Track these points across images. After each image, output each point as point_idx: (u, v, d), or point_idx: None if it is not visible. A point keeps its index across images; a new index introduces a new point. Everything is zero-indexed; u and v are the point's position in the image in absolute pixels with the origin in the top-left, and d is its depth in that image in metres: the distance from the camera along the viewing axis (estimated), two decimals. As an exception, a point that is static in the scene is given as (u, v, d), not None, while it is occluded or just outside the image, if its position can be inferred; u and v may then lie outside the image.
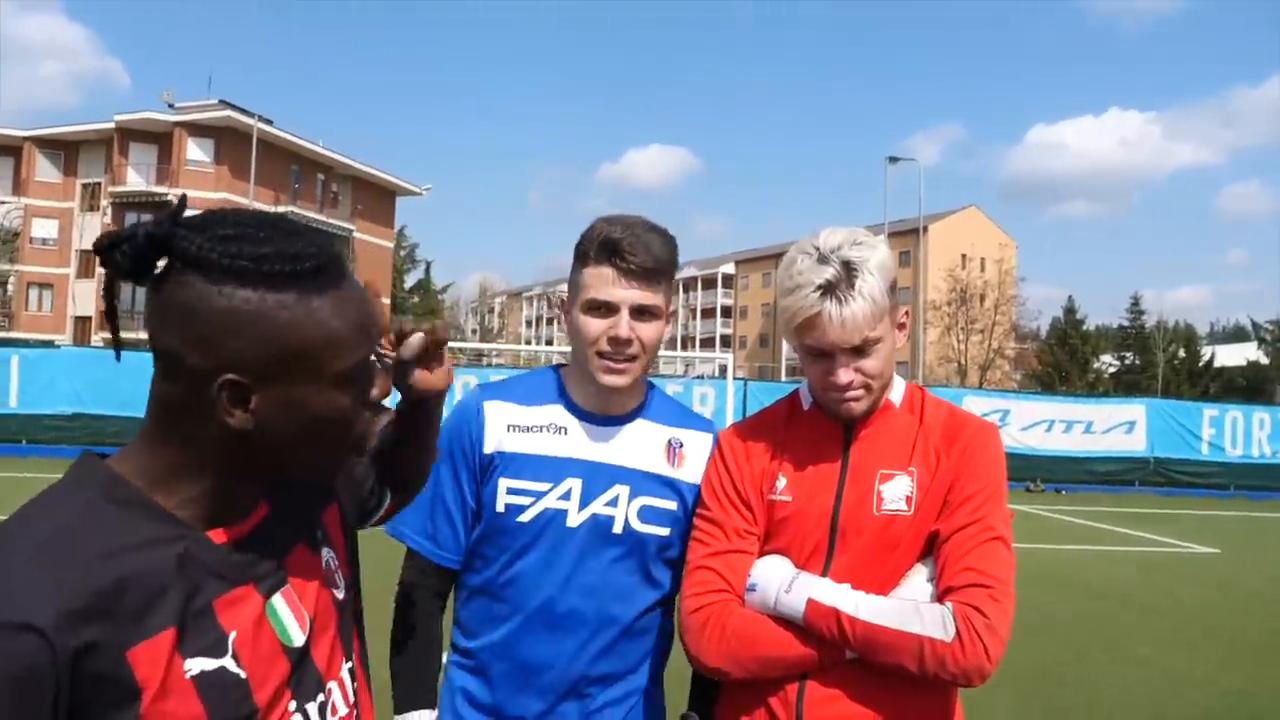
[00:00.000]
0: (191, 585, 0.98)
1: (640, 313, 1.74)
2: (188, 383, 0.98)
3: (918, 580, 1.61)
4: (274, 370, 0.98)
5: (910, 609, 1.54)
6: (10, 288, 47.16)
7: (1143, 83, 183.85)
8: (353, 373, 1.04)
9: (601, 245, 1.73)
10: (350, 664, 1.20)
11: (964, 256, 60.02)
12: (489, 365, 25.39)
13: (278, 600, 1.08)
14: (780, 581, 1.61)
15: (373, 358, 1.08)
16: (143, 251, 0.97)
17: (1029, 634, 6.77)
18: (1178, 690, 5.96)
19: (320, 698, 1.12)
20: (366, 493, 1.42)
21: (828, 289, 1.59)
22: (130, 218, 46.65)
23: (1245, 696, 5.87)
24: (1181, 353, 48.48)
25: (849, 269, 1.60)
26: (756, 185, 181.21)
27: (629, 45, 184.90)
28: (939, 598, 1.56)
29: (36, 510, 0.97)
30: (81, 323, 47.85)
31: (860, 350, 1.62)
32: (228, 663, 1.00)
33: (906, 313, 1.73)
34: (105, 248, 0.98)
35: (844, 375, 1.63)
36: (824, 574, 1.63)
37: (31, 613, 0.86)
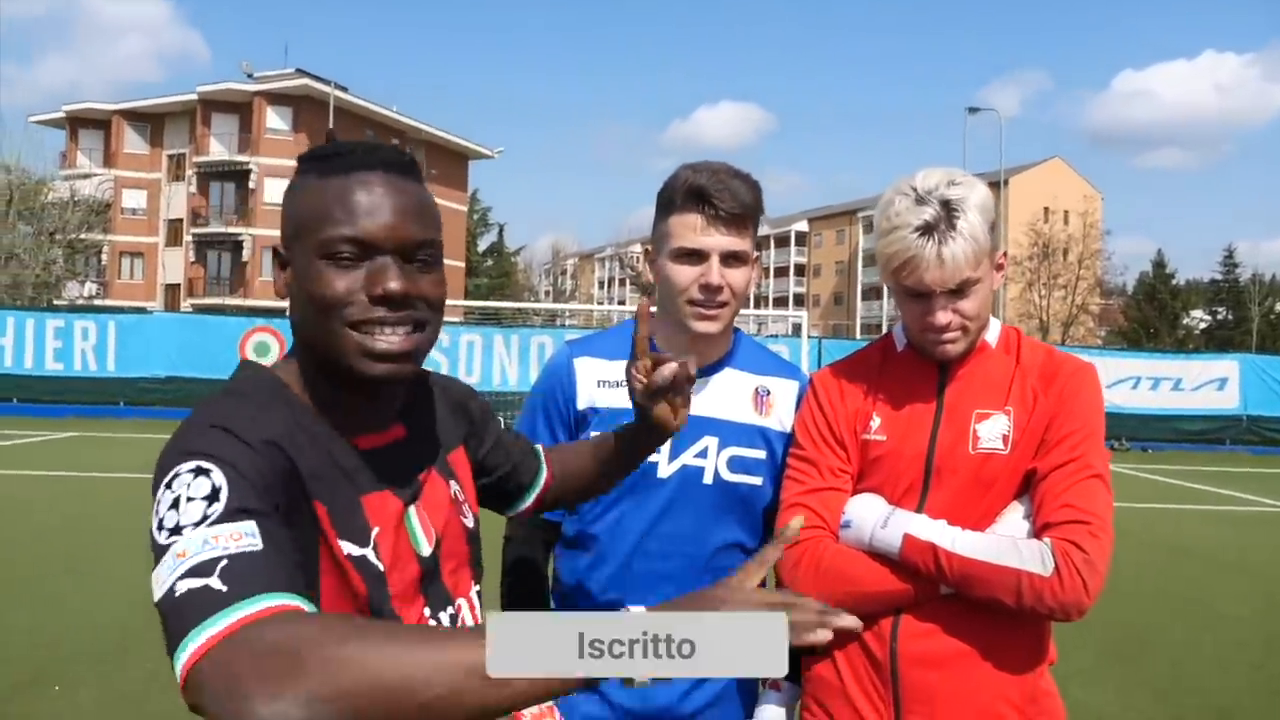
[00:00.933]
0: (341, 477, 1.08)
1: (730, 258, 1.74)
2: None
3: (1014, 518, 1.61)
4: (290, 240, 1.11)
5: (1008, 544, 1.54)
6: (104, 257, 49.01)
7: (1239, 23, 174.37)
8: (330, 243, 1.06)
9: (688, 192, 1.73)
10: (479, 588, 1.27)
11: (1047, 209, 58.10)
12: (562, 326, 25.60)
13: (413, 511, 1.16)
14: (876, 517, 1.62)
15: (389, 258, 1.07)
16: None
17: (1114, 594, 6.62)
18: (1272, 652, 5.80)
19: (450, 610, 1.20)
20: (508, 473, 1.48)
21: (926, 229, 1.57)
22: (214, 187, 48.03)
23: (1344, 657, 5.69)
24: (1278, 307, 46.40)
25: (948, 209, 1.58)
26: (829, 141, 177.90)
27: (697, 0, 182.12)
28: (1036, 534, 1.56)
29: (212, 402, 1.06)
30: (171, 289, 49.59)
31: (959, 291, 1.61)
32: (369, 553, 1.08)
33: (1004, 254, 1.72)
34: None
35: (942, 317, 1.62)
36: (919, 512, 1.63)
37: (230, 428, 0.98)
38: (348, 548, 1.06)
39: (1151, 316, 47.02)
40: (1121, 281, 53.65)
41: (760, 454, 1.83)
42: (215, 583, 0.85)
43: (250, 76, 45.91)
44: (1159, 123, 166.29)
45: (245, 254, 47.12)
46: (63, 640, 5.10)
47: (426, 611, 1.15)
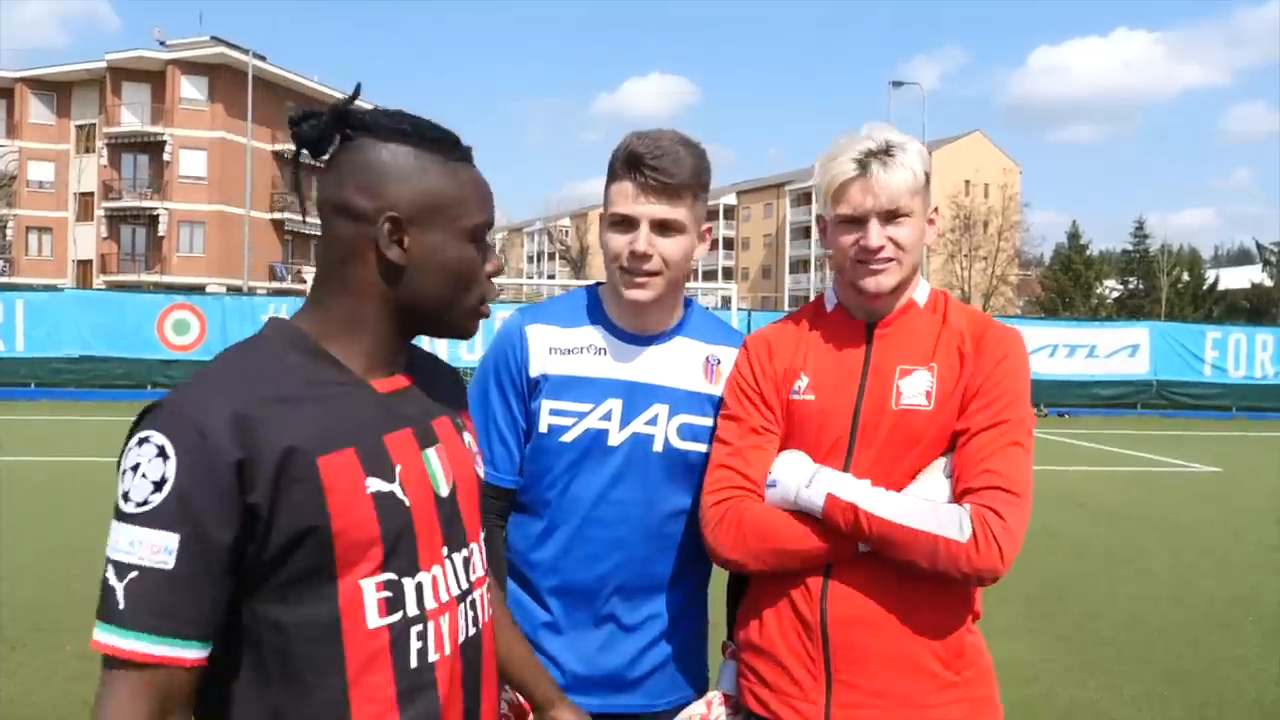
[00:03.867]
0: (365, 417, 1.17)
1: (661, 227, 1.73)
2: (356, 227, 1.18)
3: (935, 477, 1.63)
4: (422, 215, 1.19)
5: (928, 508, 1.57)
6: (9, 233, 46.90)
7: (1150, 1, 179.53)
8: (477, 231, 1.24)
9: (625, 160, 1.73)
10: (484, 534, 1.37)
11: (967, 183, 59.28)
12: (492, 301, 25.30)
13: (431, 452, 1.25)
14: (801, 476, 1.64)
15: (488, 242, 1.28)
16: (326, 124, 1.19)
17: (1036, 552, 6.88)
18: (1181, 602, 6.09)
19: (464, 552, 1.28)
20: None
21: (867, 155, 1.65)
22: (127, 159, 46.20)
23: (1247, 606, 6.01)
24: (1185, 276, 48.08)
25: (889, 144, 1.65)
26: (757, 115, 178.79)
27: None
28: (956, 498, 1.59)
29: (231, 352, 1.16)
30: (83, 266, 47.61)
31: (893, 216, 1.65)
32: (396, 489, 1.17)
33: (936, 209, 1.75)
34: (297, 121, 1.19)
35: (875, 238, 1.65)
36: (844, 470, 1.65)
37: (206, 415, 1.05)
38: (375, 484, 1.14)
39: (1067, 286, 48.29)
40: (1039, 253, 55.25)
41: (709, 421, 1.83)
42: (119, 592, 1.01)
43: (163, 44, 44.18)
44: (1073, 98, 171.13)
45: (161, 229, 45.54)
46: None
47: (445, 550, 1.23)
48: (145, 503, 1.02)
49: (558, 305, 1.91)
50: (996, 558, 1.52)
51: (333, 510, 1.09)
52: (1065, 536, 7.85)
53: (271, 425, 1.07)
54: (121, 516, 1.03)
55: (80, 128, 48.22)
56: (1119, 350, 20.39)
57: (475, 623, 1.28)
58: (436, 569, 1.21)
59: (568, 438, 1.79)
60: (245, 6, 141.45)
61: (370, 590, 1.13)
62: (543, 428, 1.81)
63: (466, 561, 1.27)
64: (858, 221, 1.67)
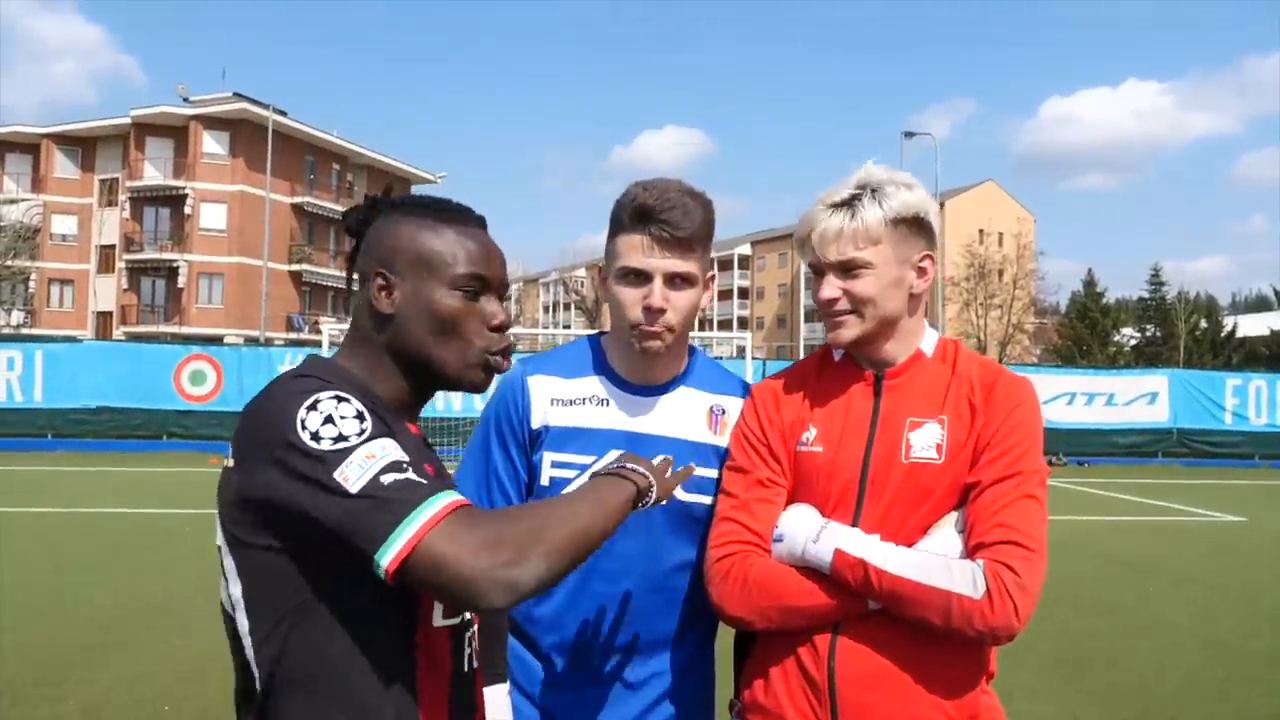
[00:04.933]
0: (411, 446, 1.26)
1: (674, 280, 1.71)
2: (364, 286, 1.35)
3: (946, 531, 1.59)
4: (410, 269, 1.32)
5: (940, 564, 1.52)
6: (32, 285, 47.54)
7: (1157, 53, 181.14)
8: (466, 281, 1.33)
9: (635, 211, 1.70)
10: None
11: (981, 232, 59.33)
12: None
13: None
14: (808, 531, 1.60)
15: (497, 294, 1.39)
16: (365, 210, 1.39)
17: (1055, 605, 6.73)
18: (1209, 656, 5.92)
19: None
20: None
21: (831, 207, 1.65)
22: (149, 212, 46.94)
23: (1276, 658, 5.83)
24: (1203, 323, 47.81)
25: (864, 193, 1.64)
26: (771, 165, 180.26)
27: (638, 25, 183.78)
28: (969, 553, 1.54)
29: (309, 371, 1.26)
30: (103, 317, 48.17)
31: (847, 270, 1.64)
32: None
33: (927, 257, 1.70)
34: (346, 214, 1.40)
35: (827, 291, 1.66)
36: (853, 524, 1.61)
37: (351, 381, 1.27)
38: None
39: (1084, 334, 48.10)
40: (1055, 300, 54.96)
41: (714, 473, 1.79)
42: (414, 476, 1.13)
43: (186, 100, 45.08)
44: (1085, 147, 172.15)
45: (181, 280, 46.05)
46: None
47: None
48: (361, 431, 1.15)
49: (559, 356, 1.89)
50: (1012, 615, 1.47)
51: None
52: (1086, 589, 7.68)
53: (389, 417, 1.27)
54: (351, 449, 1.12)
55: (103, 181, 49.06)
56: (1138, 398, 20.20)
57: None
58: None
59: (569, 490, 1.75)
60: (267, 63, 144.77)
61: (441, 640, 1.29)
62: (544, 480, 1.77)
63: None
64: (821, 272, 1.68)
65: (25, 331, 41.58)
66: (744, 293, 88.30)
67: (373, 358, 1.34)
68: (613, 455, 1.72)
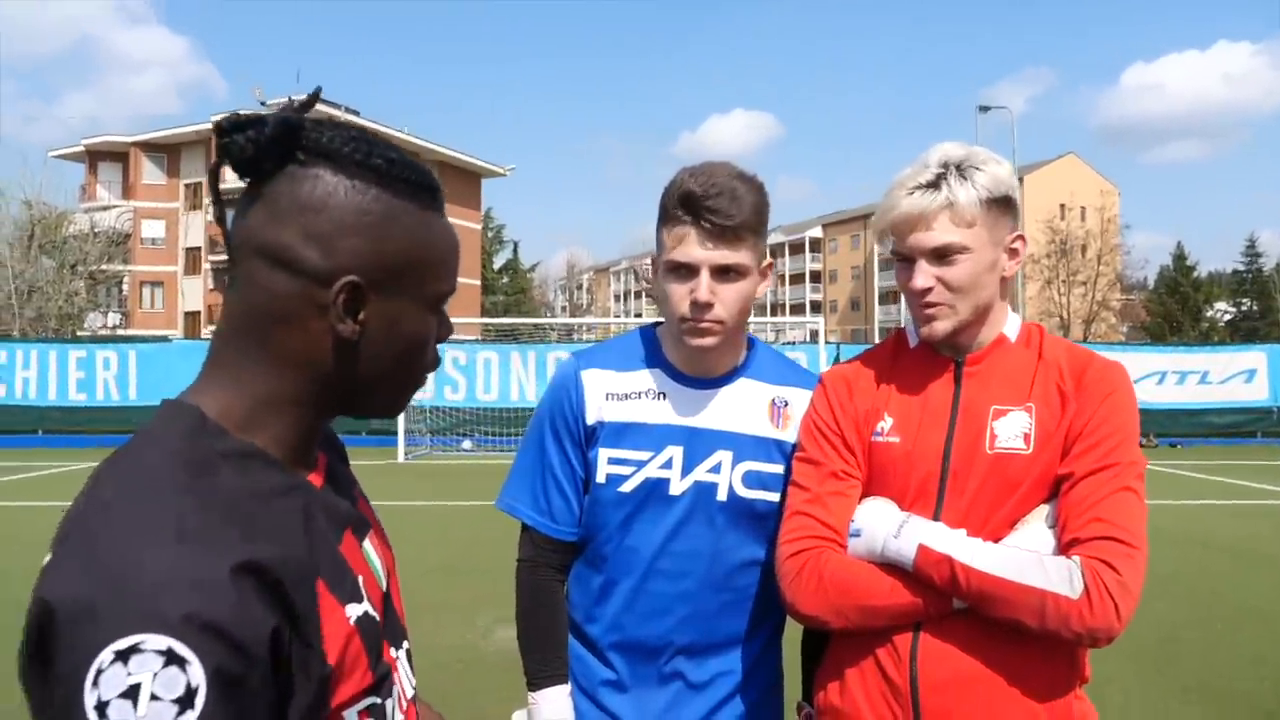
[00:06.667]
0: (318, 532, 0.91)
1: (723, 273, 1.63)
2: (295, 284, 0.90)
3: (1036, 526, 1.50)
4: (390, 278, 0.93)
5: (1033, 561, 1.44)
6: (125, 287, 49.51)
7: (1249, 12, 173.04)
8: (444, 298, 1.00)
9: (680, 200, 1.62)
10: (407, 643, 1.14)
11: (1063, 206, 57.66)
12: (579, 340, 25.57)
13: (368, 545, 1.03)
14: (888, 526, 1.52)
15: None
16: (271, 138, 0.90)
17: (1149, 596, 6.46)
18: (1314, 648, 5.65)
19: (406, 645, 1.08)
20: None
21: (918, 189, 1.54)
22: (231, 214, 48.33)
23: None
24: (1304, 296, 45.80)
25: (948, 174, 1.54)
26: (841, 145, 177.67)
27: (703, 8, 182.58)
28: (1063, 549, 1.46)
29: (150, 478, 0.83)
30: (191, 317, 49.96)
31: (942, 256, 1.54)
32: (367, 607, 0.95)
33: (1019, 237, 1.62)
34: (228, 128, 0.90)
35: (920, 280, 1.55)
36: (934, 519, 1.54)
37: (214, 588, 0.75)
38: (354, 610, 0.92)
39: (1174, 310, 46.48)
40: (1142, 276, 53.17)
41: (778, 468, 1.73)
42: None
43: (263, 104, 46.27)
44: (1171, 115, 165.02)
45: (263, 279, 47.42)
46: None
47: (394, 652, 1.02)
48: None
49: (614, 348, 1.83)
50: (1113, 616, 1.39)
51: (331, 659, 0.86)
52: (1181, 577, 7.37)
53: (277, 569, 0.81)
54: None
55: (188, 186, 50.84)
56: (1234, 376, 19.36)
57: None
58: (395, 675, 1.00)
59: (626, 487, 1.72)
60: (341, 64, 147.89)
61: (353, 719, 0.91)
62: (600, 477, 1.73)
63: (409, 654, 1.07)
64: (909, 260, 1.58)
65: (120, 333, 43.31)
66: (816, 276, 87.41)
67: (276, 389, 0.93)
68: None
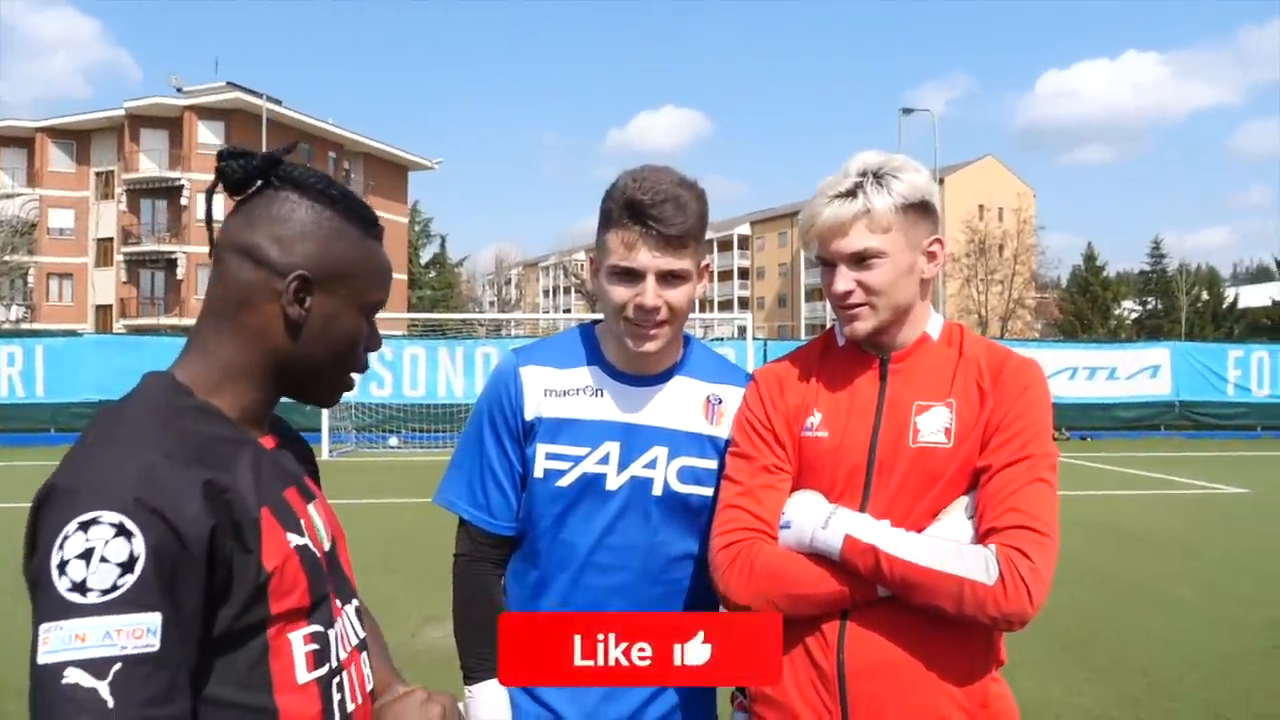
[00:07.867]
0: (266, 475, 1.13)
1: (668, 277, 1.66)
2: (259, 274, 1.15)
3: (956, 516, 1.57)
4: (332, 279, 1.18)
5: (952, 549, 1.50)
6: (30, 279, 47.50)
7: (1157, 23, 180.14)
8: (375, 308, 1.25)
9: (625, 206, 1.64)
10: (356, 600, 1.32)
11: (981, 207, 59.21)
12: (508, 336, 25.41)
13: (312, 508, 1.23)
14: (816, 518, 1.58)
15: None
16: (256, 167, 1.17)
17: (1060, 582, 6.70)
18: (1213, 631, 5.93)
19: (355, 603, 1.29)
20: None
21: (838, 197, 1.60)
22: (145, 204, 46.78)
23: (1282, 634, 5.84)
24: (1204, 295, 47.82)
25: (867, 180, 1.60)
26: (769, 145, 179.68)
27: (634, 6, 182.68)
28: (980, 538, 1.52)
29: (130, 412, 1.08)
30: (102, 311, 48.06)
31: (860, 260, 1.61)
32: (307, 542, 1.15)
33: (937, 240, 1.68)
34: (227, 155, 1.17)
35: (840, 284, 1.62)
36: (861, 510, 1.59)
37: (162, 482, 0.98)
38: (295, 539, 1.13)
39: (1085, 308, 48.12)
40: (1055, 275, 54.91)
41: (711, 464, 1.77)
42: (104, 690, 0.89)
43: (180, 91, 44.93)
44: (1083, 120, 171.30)
45: (180, 272, 45.98)
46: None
47: (339, 603, 1.22)
48: (114, 587, 0.91)
49: (553, 345, 1.85)
50: (1026, 601, 1.46)
51: (269, 566, 1.07)
52: (1090, 564, 7.68)
53: (224, 484, 1.04)
54: (81, 610, 0.91)
55: (99, 174, 48.91)
56: (1140, 371, 20.17)
57: (371, 673, 1.29)
58: (339, 620, 1.21)
59: (564, 482, 1.74)
60: (261, 53, 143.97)
61: (299, 643, 1.12)
62: (538, 472, 1.75)
63: (358, 612, 1.29)
64: (831, 264, 1.64)
65: (25, 326, 41.56)
66: (744, 273, 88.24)
67: (237, 358, 1.16)
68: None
